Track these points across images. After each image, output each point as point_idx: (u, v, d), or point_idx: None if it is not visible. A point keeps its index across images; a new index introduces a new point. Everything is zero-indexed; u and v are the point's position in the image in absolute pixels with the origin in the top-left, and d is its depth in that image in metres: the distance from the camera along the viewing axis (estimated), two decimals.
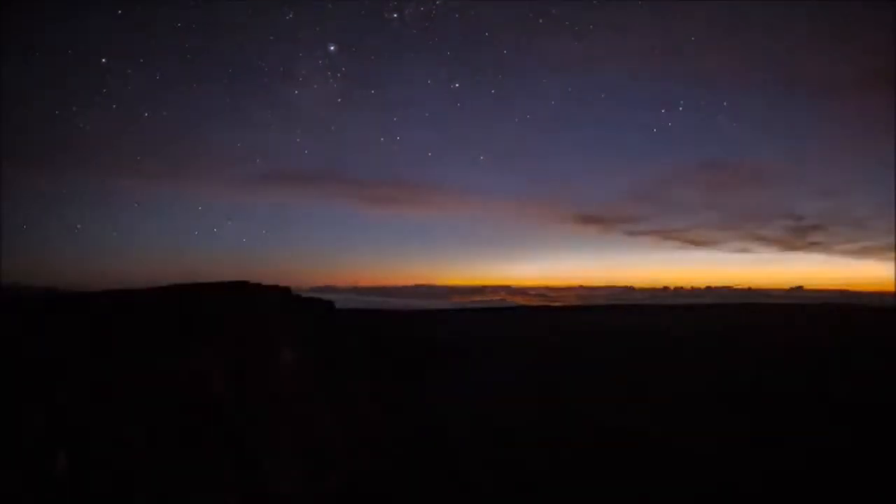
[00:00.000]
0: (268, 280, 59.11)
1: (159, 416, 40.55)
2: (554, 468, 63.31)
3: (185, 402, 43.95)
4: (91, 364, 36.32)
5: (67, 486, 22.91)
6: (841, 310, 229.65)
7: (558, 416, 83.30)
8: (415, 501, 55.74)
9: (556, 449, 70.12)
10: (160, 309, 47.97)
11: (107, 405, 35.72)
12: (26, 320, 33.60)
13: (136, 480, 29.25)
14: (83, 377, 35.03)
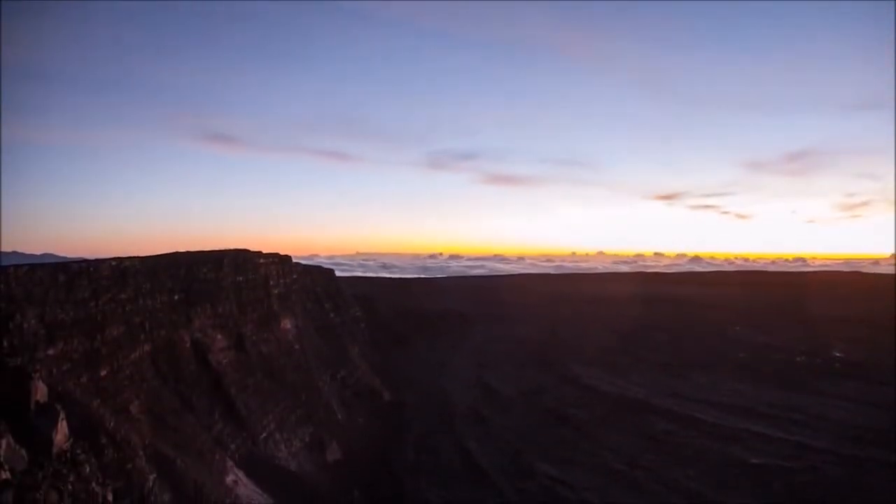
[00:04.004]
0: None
1: (159, 385, 40.67)
2: (551, 439, 63.63)
3: (184, 372, 43.99)
4: (91, 333, 36.26)
5: (68, 454, 23.00)
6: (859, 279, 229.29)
7: (556, 383, 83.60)
8: (412, 469, 56.36)
9: (555, 418, 70.33)
10: (161, 277, 47.81)
11: (107, 374, 35.77)
12: (26, 287, 33.35)
13: (135, 447, 29.49)
14: (82, 346, 34.96)
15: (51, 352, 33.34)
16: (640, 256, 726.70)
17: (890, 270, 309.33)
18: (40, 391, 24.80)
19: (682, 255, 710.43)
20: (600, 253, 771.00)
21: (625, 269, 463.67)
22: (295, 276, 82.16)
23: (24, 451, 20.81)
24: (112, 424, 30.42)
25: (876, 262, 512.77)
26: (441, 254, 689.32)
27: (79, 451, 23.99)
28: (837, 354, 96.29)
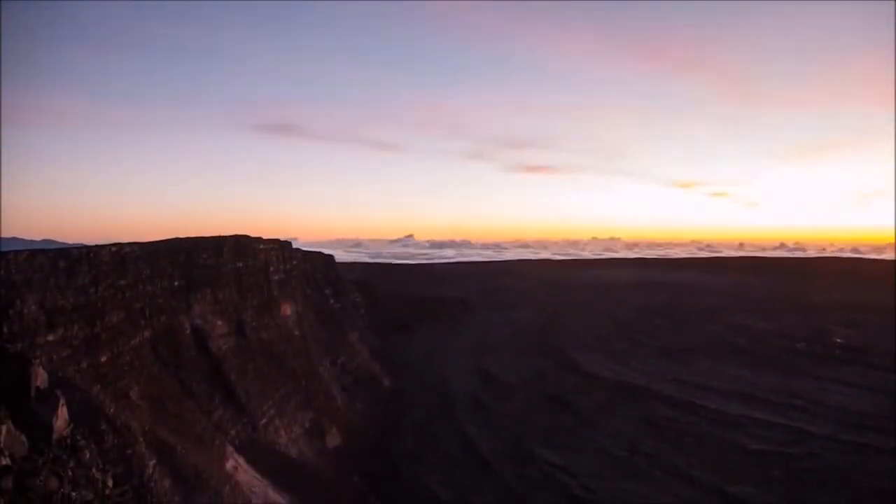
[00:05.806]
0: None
1: (160, 371, 40.59)
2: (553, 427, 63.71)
3: (185, 358, 43.89)
4: (91, 319, 36.09)
5: (68, 440, 22.91)
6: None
7: (557, 372, 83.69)
8: (412, 455, 56.48)
9: (555, 408, 70.40)
10: (161, 263, 47.57)
11: (107, 360, 35.65)
12: (26, 273, 33.14)
13: (135, 433, 29.41)
14: (82, 332, 34.80)
15: (51, 338, 33.17)
16: (637, 242, 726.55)
17: (891, 257, 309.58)
18: (40, 377, 24.62)
19: (686, 241, 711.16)
20: (594, 238, 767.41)
21: (624, 254, 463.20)
22: (295, 262, 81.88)
23: (24, 437, 20.67)
24: (112, 410, 30.31)
25: (879, 248, 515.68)
26: (435, 239, 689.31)
27: (79, 437, 23.86)
28: (838, 340, 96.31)
